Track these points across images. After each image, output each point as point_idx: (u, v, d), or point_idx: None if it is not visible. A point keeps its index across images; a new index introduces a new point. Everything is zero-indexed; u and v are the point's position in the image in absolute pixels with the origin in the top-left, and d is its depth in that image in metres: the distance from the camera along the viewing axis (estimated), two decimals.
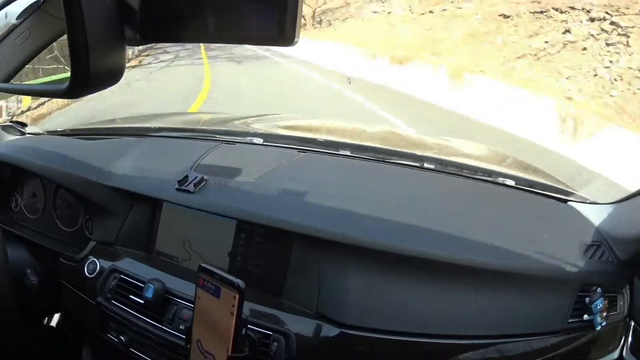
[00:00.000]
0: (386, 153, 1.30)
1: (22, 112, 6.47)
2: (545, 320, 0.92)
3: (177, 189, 1.10)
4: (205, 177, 1.12)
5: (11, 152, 1.38)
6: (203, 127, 1.66)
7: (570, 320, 0.93)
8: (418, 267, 0.91)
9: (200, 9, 0.48)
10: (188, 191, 1.09)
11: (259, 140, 1.33)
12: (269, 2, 0.45)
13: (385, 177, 1.16)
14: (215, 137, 1.39)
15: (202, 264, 0.85)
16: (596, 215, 1.05)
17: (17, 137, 1.52)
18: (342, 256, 0.95)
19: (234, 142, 1.33)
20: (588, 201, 1.11)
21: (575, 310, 0.93)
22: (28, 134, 1.55)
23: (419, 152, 1.36)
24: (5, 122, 1.56)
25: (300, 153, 1.24)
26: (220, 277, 0.82)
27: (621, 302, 1.00)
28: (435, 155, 1.31)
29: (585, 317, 0.93)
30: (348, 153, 1.27)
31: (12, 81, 0.92)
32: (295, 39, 0.44)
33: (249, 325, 0.91)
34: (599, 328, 0.94)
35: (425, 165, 1.21)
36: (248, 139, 1.36)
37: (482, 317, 0.90)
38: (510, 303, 0.91)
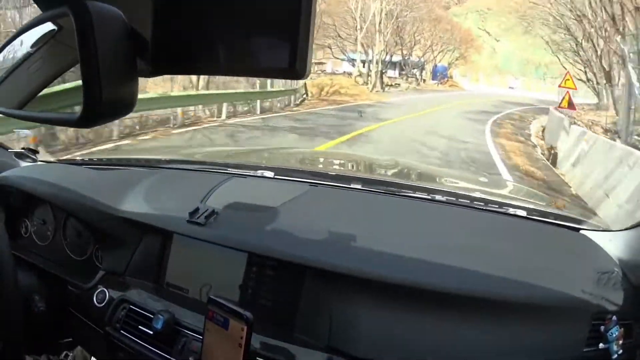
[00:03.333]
0: (397, 186, 1.30)
1: None
2: (560, 350, 0.90)
3: (188, 221, 1.11)
4: (216, 209, 1.12)
5: (23, 178, 1.39)
6: (214, 160, 1.67)
7: (585, 350, 0.91)
8: (430, 300, 0.90)
9: (211, 42, 0.48)
10: (199, 223, 1.10)
11: (270, 174, 1.34)
12: (280, 35, 0.45)
13: (397, 211, 1.16)
14: (227, 170, 1.40)
15: (211, 296, 0.85)
16: (609, 243, 1.04)
17: (29, 164, 1.53)
18: (354, 289, 0.94)
19: (245, 176, 1.34)
20: (601, 229, 1.10)
21: (591, 339, 0.92)
22: (40, 161, 1.56)
23: (429, 185, 1.36)
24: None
25: (312, 187, 1.25)
26: (229, 309, 0.81)
27: (637, 330, 0.99)
28: (446, 188, 1.31)
29: (601, 345, 0.92)
30: (359, 186, 1.27)
31: (24, 108, 0.93)
32: (307, 73, 0.45)
33: (258, 358, 0.90)
34: (615, 356, 0.92)
35: (437, 197, 1.21)
36: (259, 172, 1.36)
37: (495, 348, 0.89)
38: (525, 333, 0.89)
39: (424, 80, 39.31)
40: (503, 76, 43.52)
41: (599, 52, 19.75)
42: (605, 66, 19.25)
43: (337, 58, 35.36)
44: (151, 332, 1.03)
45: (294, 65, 0.44)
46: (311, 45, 0.44)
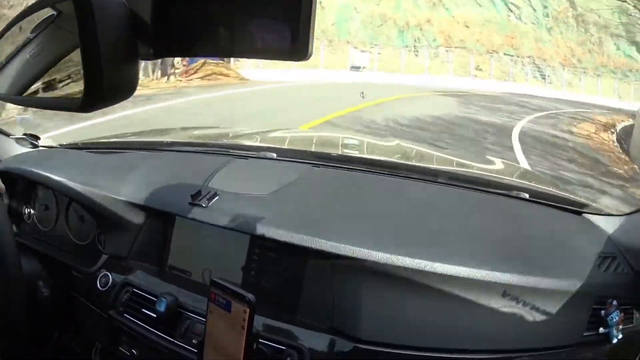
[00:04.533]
0: (399, 167, 1.30)
1: None
2: (560, 334, 0.91)
3: (190, 204, 1.11)
4: (218, 191, 1.12)
5: (24, 164, 1.39)
6: (216, 142, 1.67)
7: (586, 334, 0.92)
8: (431, 282, 0.91)
9: (212, 24, 0.48)
10: (201, 206, 1.10)
11: (273, 155, 1.34)
12: (282, 16, 0.45)
13: (399, 192, 1.16)
14: (229, 151, 1.40)
15: (213, 278, 0.85)
16: (611, 227, 1.04)
17: (30, 149, 1.53)
18: (356, 271, 0.95)
19: (247, 157, 1.34)
20: (603, 213, 1.10)
21: (591, 323, 0.92)
22: (41, 146, 1.56)
23: (432, 166, 1.36)
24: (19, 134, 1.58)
25: (314, 168, 1.25)
26: (231, 291, 0.82)
27: (637, 314, 0.99)
28: (449, 169, 1.31)
29: (601, 330, 0.92)
30: (362, 168, 1.27)
31: (25, 94, 0.93)
32: (309, 54, 0.44)
33: (261, 340, 0.91)
34: (615, 341, 0.93)
35: (439, 179, 1.21)
36: (262, 153, 1.36)
37: (497, 331, 0.89)
38: (525, 317, 0.90)
39: None
40: (337, 48, 22.69)
41: None
42: None
43: None
44: (154, 315, 1.04)
45: (296, 46, 0.44)
46: (313, 26, 0.43)
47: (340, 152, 1.55)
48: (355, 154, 1.66)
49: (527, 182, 1.37)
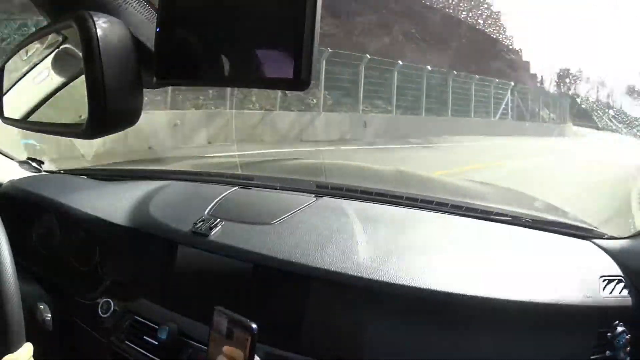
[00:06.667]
0: (402, 196, 1.30)
1: None
2: (567, 357, 0.90)
3: (193, 232, 1.11)
4: (221, 220, 1.13)
5: (28, 188, 1.40)
6: (220, 171, 1.68)
7: (592, 357, 0.91)
8: (437, 309, 0.90)
9: (215, 54, 0.49)
10: (204, 234, 1.10)
11: (276, 185, 1.35)
12: (284, 46, 0.45)
13: (401, 221, 1.16)
14: (232, 181, 1.41)
15: (215, 307, 0.85)
16: (615, 250, 1.04)
17: (34, 174, 1.54)
18: (360, 300, 0.94)
19: (250, 187, 1.35)
20: (606, 236, 1.10)
21: (598, 346, 0.91)
22: (44, 171, 1.57)
23: (434, 195, 1.37)
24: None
25: (317, 197, 1.25)
26: (233, 320, 0.81)
27: None
28: (451, 198, 1.31)
29: (608, 353, 0.91)
30: (364, 197, 1.27)
31: (30, 119, 0.94)
32: (310, 84, 0.45)
33: None
34: None
35: (442, 208, 1.21)
36: (265, 183, 1.37)
37: (503, 356, 0.88)
38: (532, 341, 0.89)
39: None
40: None
41: None
42: None
43: None
44: (156, 343, 1.03)
45: (299, 76, 0.44)
46: (315, 56, 0.44)
47: (343, 182, 1.56)
48: (358, 183, 1.66)
49: (532, 209, 1.36)
